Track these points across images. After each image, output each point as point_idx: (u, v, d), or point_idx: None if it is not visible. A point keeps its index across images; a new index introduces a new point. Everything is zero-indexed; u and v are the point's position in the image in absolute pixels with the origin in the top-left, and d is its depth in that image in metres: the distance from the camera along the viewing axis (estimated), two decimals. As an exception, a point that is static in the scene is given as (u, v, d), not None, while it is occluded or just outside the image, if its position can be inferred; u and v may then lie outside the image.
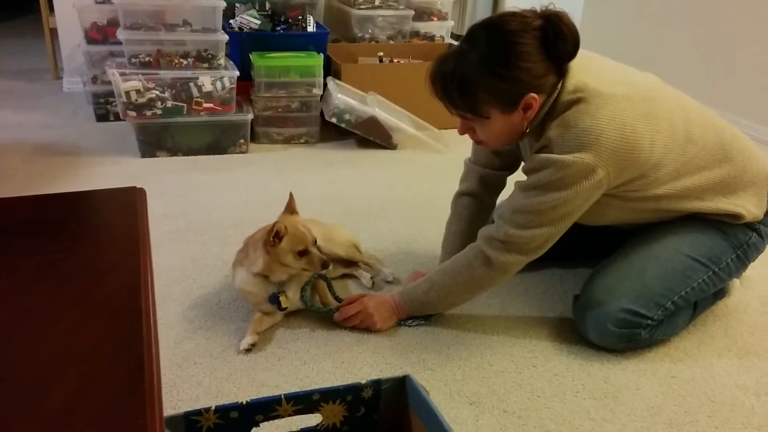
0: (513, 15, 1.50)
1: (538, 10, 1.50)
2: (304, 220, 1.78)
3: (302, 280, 1.78)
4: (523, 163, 1.68)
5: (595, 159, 1.48)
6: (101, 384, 0.70)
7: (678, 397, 1.58)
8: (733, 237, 1.74)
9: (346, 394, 1.23)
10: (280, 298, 1.72)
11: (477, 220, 1.97)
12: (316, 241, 1.72)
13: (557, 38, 1.47)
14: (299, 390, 1.25)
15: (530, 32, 1.46)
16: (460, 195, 2.00)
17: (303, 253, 1.68)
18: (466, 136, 1.67)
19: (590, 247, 1.95)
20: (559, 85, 1.53)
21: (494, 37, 1.49)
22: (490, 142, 1.67)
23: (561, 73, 1.54)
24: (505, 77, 1.48)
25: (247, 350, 1.66)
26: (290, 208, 1.76)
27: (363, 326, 1.75)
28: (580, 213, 1.58)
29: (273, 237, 1.66)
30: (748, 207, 1.70)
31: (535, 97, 1.50)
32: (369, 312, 1.74)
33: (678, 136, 1.60)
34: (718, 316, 1.90)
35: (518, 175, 1.84)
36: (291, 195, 1.77)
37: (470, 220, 1.96)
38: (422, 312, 1.79)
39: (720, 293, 1.91)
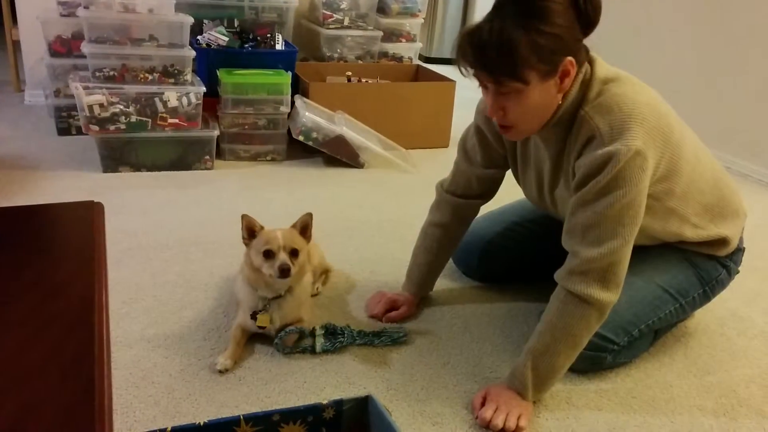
0: None
1: None
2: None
3: (285, 308, 1.71)
4: (573, 181, 1.53)
5: (642, 144, 1.41)
6: (48, 403, 0.68)
7: (639, 417, 1.59)
8: (705, 272, 1.76)
9: (307, 415, 1.21)
10: (258, 315, 1.69)
11: (445, 254, 1.97)
12: (296, 252, 1.64)
13: (587, 1, 1.39)
14: (259, 410, 1.23)
15: None
16: (430, 225, 1.93)
17: (268, 255, 1.62)
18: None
19: (555, 266, 1.96)
20: (585, 70, 1.49)
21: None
22: (521, 122, 1.51)
23: (586, 48, 1.48)
24: (545, 33, 1.37)
25: (221, 372, 1.62)
26: (301, 226, 1.71)
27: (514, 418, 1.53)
28: (642, 213, 1.47)
29: (245, 232, 1.66)
30: (731, 234, 1.72)
31: (573, 63, 1.42)
32: (511, 409, 1.54)
33: (690, 150, 1.59)
34: (678, 337, 1.93)
35: (489, 205, 1.86)
36: (310, 215, 1.71)
37: (438, 253, 1.94)
38: (544, 386, 1.58)
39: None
